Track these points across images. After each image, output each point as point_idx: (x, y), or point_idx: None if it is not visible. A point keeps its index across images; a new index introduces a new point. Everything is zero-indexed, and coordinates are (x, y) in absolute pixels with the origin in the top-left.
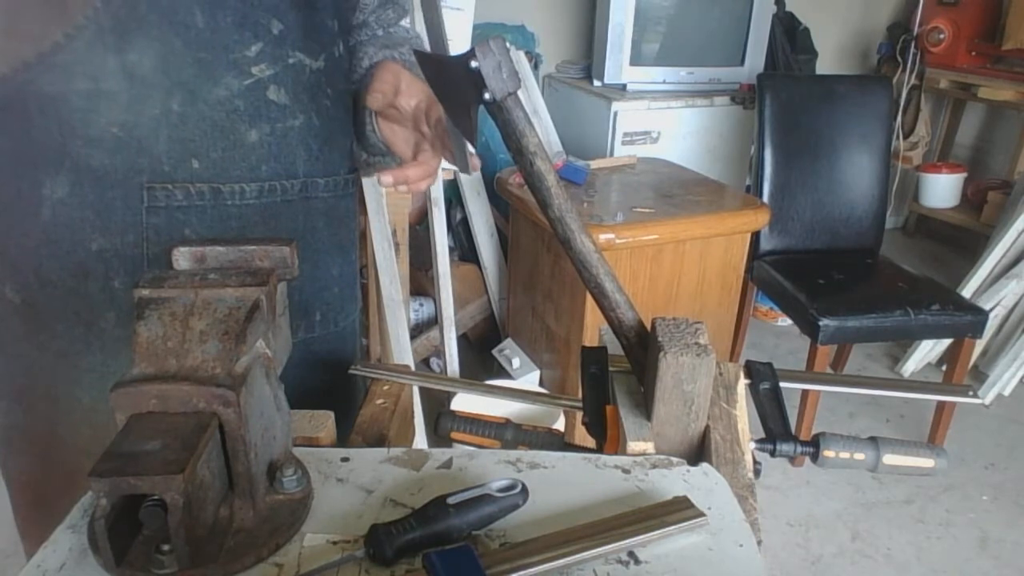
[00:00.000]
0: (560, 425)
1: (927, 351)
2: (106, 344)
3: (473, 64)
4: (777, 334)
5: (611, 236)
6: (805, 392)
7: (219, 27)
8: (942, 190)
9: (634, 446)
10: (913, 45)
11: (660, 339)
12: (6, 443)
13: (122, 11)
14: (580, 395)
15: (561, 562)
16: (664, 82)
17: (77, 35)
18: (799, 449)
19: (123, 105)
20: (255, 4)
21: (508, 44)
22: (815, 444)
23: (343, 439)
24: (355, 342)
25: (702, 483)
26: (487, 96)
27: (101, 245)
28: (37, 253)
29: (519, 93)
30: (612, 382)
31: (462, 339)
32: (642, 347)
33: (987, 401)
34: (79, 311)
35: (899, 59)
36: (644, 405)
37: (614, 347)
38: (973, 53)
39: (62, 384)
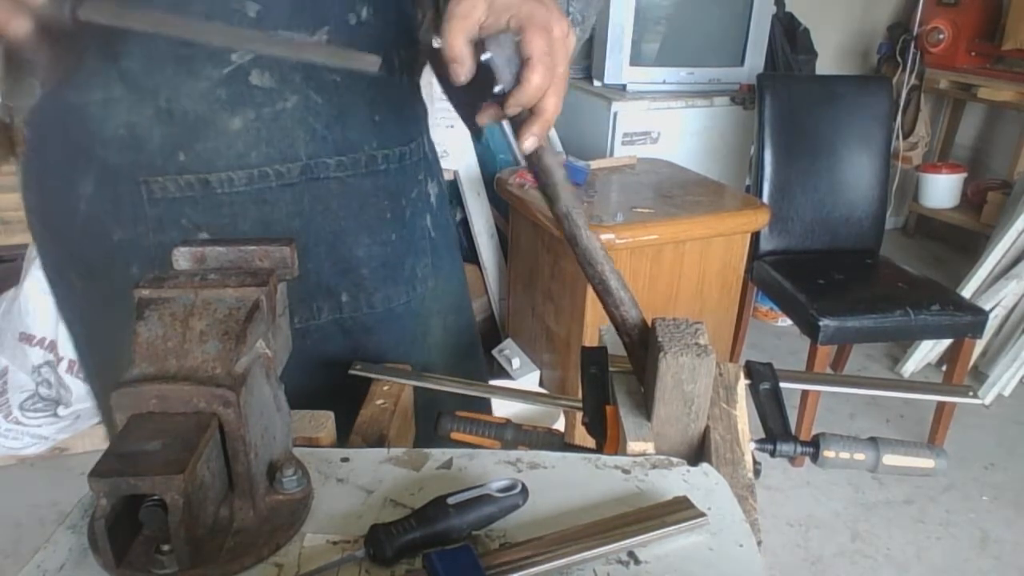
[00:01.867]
0: (560, 425)
1: (927, 351)
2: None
3: (484, 56)
4: (777, 334)
5: (611, 236)
6: (805, 392)
7: (191, 18)
8: (942, 190)
9: (634, 446)
10: (913, 45)
11: (660, 339)
12: (106, 407)
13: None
14: (580, 395)
15: (561, 562)
16: (664, 82)
17: (87, 51)
18: (799, 449)
19: (126, 108)
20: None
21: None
22: (815, 444)
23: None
24: (415, 324)
25: (702, 483)
26: (497, 88)
27: (120, 236)
28: (80, 244)
29: None
30: (612, 382)
31: None
32: (644, 346)
33: (987, 401)
34: (112, 296)
35: (899, 59)
36: (644, 405)
37: (614, 347)
38: (973, 53)
39: (108, 370)
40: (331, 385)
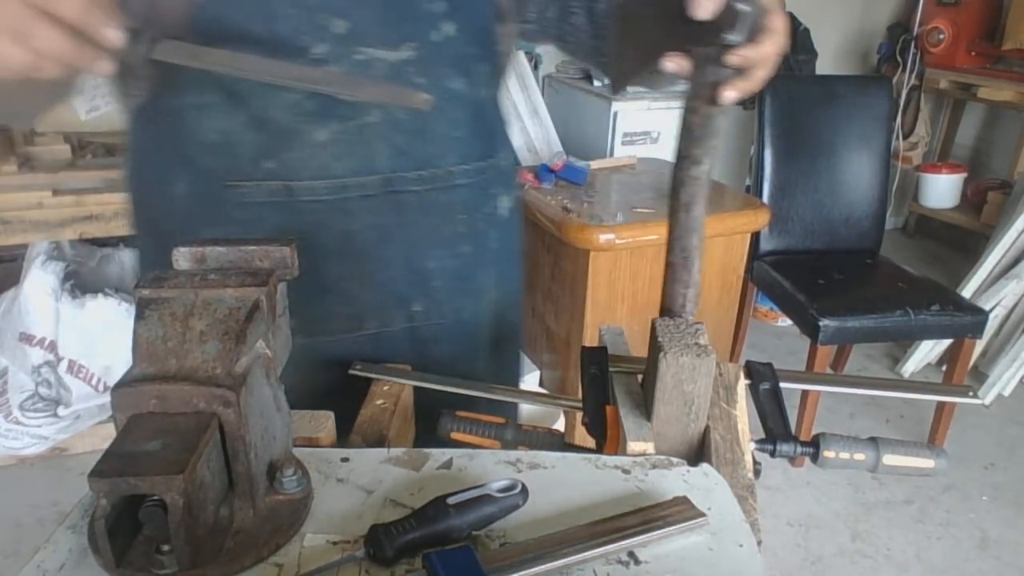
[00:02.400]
0: (560, 425)
1: (927, 351)
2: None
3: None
4: (777, 334)
5: (611, 236)
6: (805, 392)
7: (280, 35)
8: (942, 190)
9: (634, 446)
10: (913, 45)
11: (660, 339)
12: None
13: (209, 29)
14: (580, 395)
15: (561, 562)
16: None
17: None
18: (799, 449)
19: (219, 114)
20: (313, 8)
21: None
22: (815, 444)
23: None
24: (477, 332)
25: (702, 483)
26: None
27: (208, 235)
28: (171, 239)
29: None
30: (612, 382)
31: None
32: None
33: (987, 401)
34: None
35: (899, 59)
36: (644, 405)
37: (614, 347)
38: (973, 53)
39: None
40: None
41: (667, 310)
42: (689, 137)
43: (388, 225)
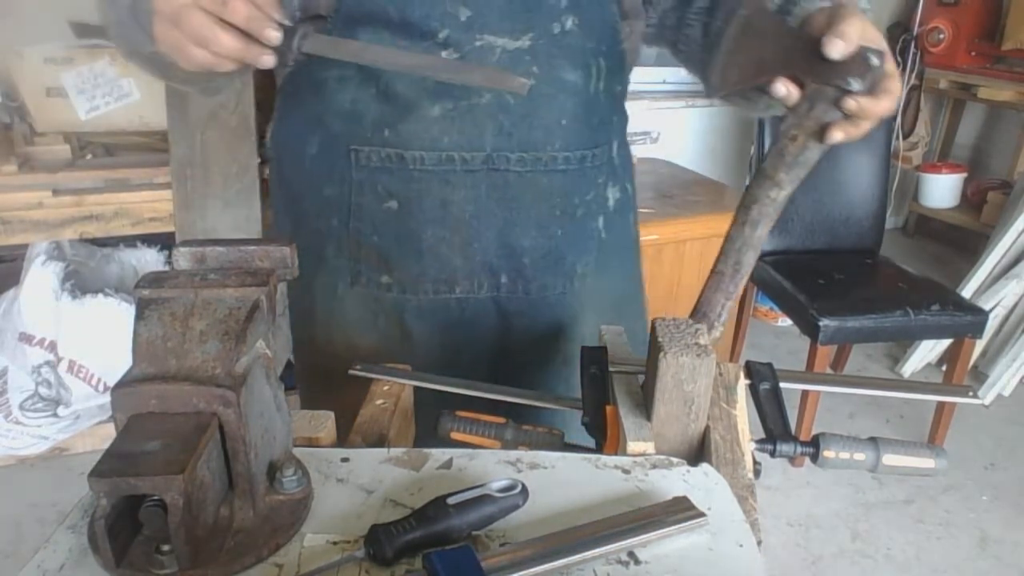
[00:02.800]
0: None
1: (927, 351)
2: (329, 269)
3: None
4: (777, 334)
5: None
6: (805, 392)
7: (411, 19)
8: (942, 190)
9: (634, 446)
10: (913, 45)
11: (660, 339)
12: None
13: (352, 13)
14: (580, 395)
15: (561, 562)
16: (664, 82)
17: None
18: (799, 449)
19: (354, 86)
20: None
21: None
22: (815, 444)
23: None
24: (565, 314)
25: (702, 483)
26: (856, 86)
27: (329, 192)
28: (299, 194)
29: None
30: (612, 382)
31: None
32: None
33: (987, 401)
34: (310, 243)
35: (899, 59)
36: (644, 405)
37: (614, 347)
38: (973, 53)
39: (306, 303)
40: (475, 352)
41: (702, 314)
42: (780, 161)
43: (485, 199)
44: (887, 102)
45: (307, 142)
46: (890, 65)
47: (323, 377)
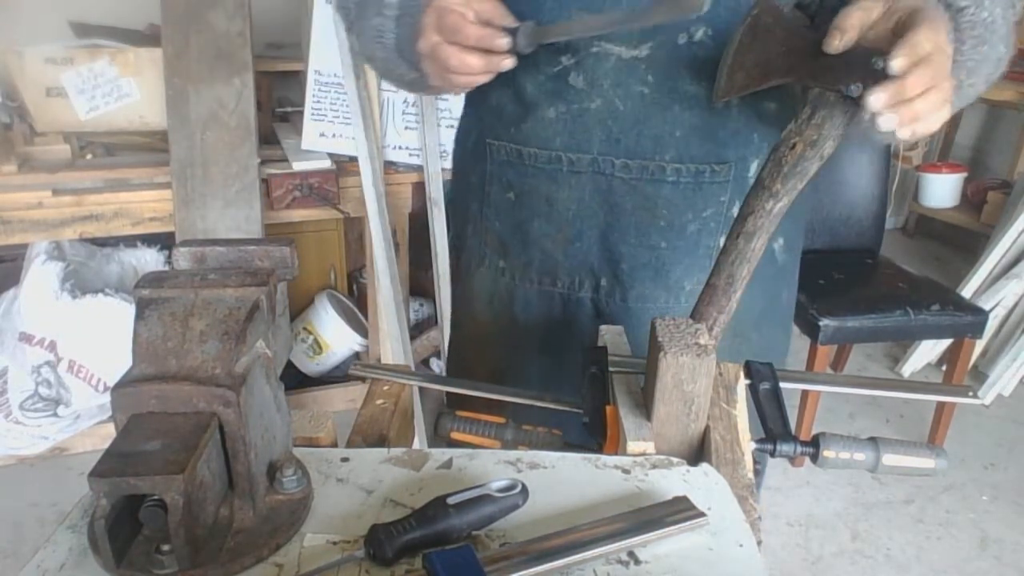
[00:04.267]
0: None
1: (927, 351)
2: (468, 248)
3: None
4: None
5: None
6: (805, 392)
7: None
8: (942, 190)
9: (634, 446)
10: None
11: (660, 339)
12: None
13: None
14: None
15: (561, 562)
16: None
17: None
18: (799, 449)
19: (499, 86)
20: (568, 3)
21: None
22: (815, 444)
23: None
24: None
25: (702, 483)
26: (851, 90)
27: (472, 180)
28: (457, 179)
29: None
30: (612, 382)
31: None
32: None
33: (987, 401)
34: (461, 223)
35: None
36: (644, 405)
37: (614, 347)
38: None
39: (454, 275)
40: (573, 351)
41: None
42: (777, 170)
43: (588, 201)
44: (908, 113)
45: (469, 134)
46: (915, 76)
47: (464, 345)
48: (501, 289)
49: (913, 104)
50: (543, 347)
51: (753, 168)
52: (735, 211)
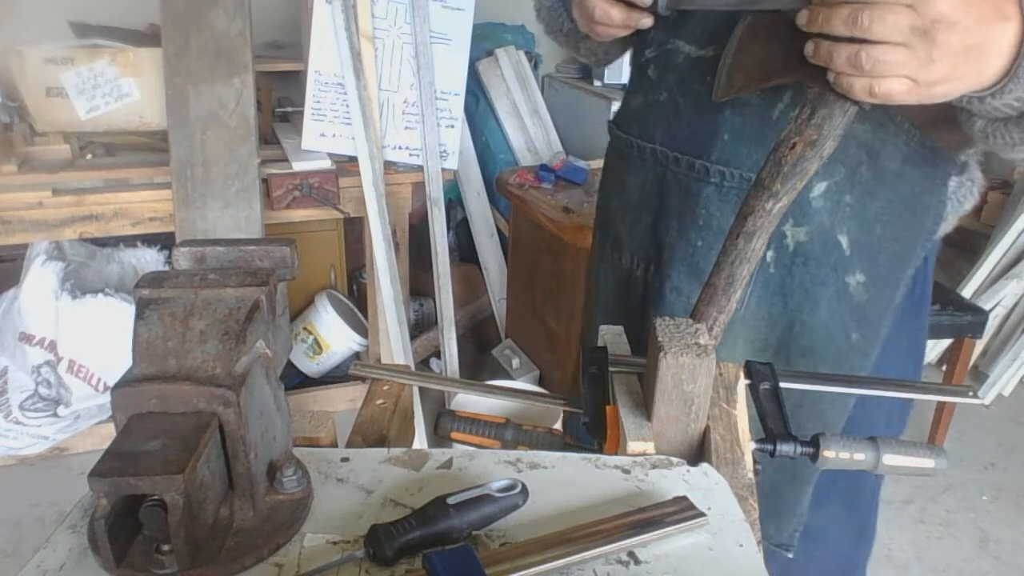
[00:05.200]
0: (560, 425)
1: (927, 351)
2: (608, 238)
3: None
4: None
5: None
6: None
7: None
8: None
9: (634, 446)
10: None
11: (660, 339)
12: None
13: None
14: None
15: (561, 562)
16: None
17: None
18: (799, 449)
19: (634, 74)
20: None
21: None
22: (815, 444)
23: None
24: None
25: (702, 483)
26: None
27: (614, 171)
28: (610, 172)
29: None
30: (612, 382)
31: (462, 339)
32: None
33: (987, 401)
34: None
35: None
36: (644, 405)
37: (614, 347)
38: None
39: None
40: (635, 328)
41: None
42: (776, 170)
43: (648, 189)
44: (841, 55)
45: (619, 118)
46: (849, 9)
47: (585, 310)
48: (595, 258)
49: (851, 49)
50: (610, 319)
51: (821, 191)
52: (790, 231)
